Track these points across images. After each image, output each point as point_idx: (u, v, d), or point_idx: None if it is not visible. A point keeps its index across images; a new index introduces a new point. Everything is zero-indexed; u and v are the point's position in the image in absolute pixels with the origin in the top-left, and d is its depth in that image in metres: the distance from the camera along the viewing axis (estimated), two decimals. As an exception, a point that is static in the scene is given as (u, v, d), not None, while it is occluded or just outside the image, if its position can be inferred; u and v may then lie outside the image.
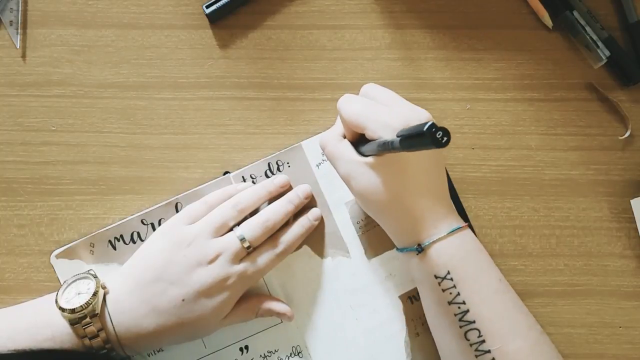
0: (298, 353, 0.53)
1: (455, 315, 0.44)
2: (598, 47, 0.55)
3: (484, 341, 0.43)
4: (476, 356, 0.44)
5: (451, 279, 0.44)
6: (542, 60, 0.56)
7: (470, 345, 0.44)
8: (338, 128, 0.49)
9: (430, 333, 0.51)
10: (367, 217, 0.54)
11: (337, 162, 0.48)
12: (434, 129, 0.35)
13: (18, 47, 0.55)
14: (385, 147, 0.41)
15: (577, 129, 0.56)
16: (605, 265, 0.54)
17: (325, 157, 0.54)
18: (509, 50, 0.56)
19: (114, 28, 0.56)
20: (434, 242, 0.45)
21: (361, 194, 0.46)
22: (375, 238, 0.54)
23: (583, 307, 0.54)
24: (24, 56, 0.55)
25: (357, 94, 0.55)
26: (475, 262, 0.45)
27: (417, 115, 0.45)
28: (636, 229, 0.54)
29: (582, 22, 0.55)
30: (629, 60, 0.55)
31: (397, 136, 0.40)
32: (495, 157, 0.55)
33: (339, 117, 0.49)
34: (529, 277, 0.54)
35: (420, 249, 0.45)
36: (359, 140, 0.48)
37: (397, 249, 0.48)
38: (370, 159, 0.45)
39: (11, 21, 0.55)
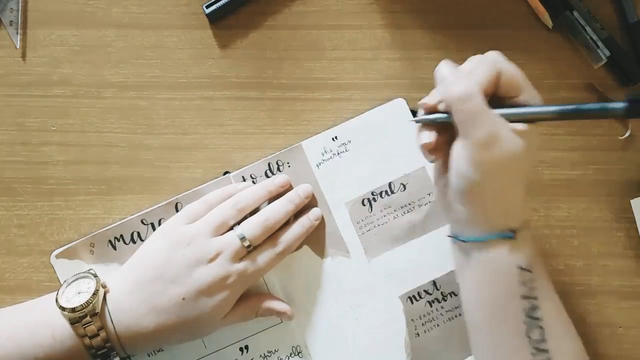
0: (298, 353, 0.53)
1: (524, 310, 0.43)
2: (598, 47, 0.55)
3: (544, 340, 0.43)
4: (532, 354, 0.43)
5: (531, 272, 0.43)
6: (542, 60, 0.56)
7: (529, 342, 0.43)
8: (479, 80, 0.42)
9: (431, 333, 0.51)
10: (367, 217, 0.54)
11: (485, 120, 0.41)
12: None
13: (18, 47, 0.55)
14: (557, 111, 0.41)
15: (577, 129, 0.56)
16: (605, 265, 0.54)
17: (325, 158, 0.54)
18: (509, 50, 0.56)
19: (114, 28, 0.56)
20: (524, 230, 0.43)
21: (498, 160, 0.41)
22: (375, 238, 0.54)
23: (583, 307, 0.54)
24: (24, 56, 0.55)
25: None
26: (541, 260, 0.45)
27: None
28: (636, 229, 0.54)
29: (582, 22, 0.55)
30: (629, 60, 0.55)
31: (629, 100, 0.38)
32: (495, 157, 0.55)
33: (480, 70, 0.43)
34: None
35: (512, 235, 0.43)
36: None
37: (473, 240, 0.45)
38: (520, 125, 0.42)
39: (11, 21, 0.55)
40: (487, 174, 0.42)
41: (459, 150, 0.42)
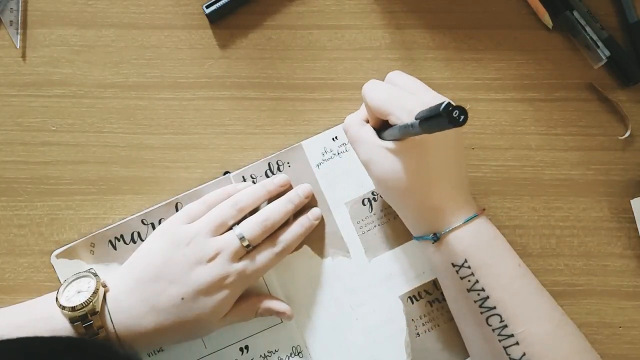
0: (298, 353, 0.53)
1: (475, 302, 0.45)
2: (598, 47, 0.55)
3: (506, 326, 0.44)
4: (499, 341, 0.44)
5: (469, 267, 0.45)
6: (542, 60, 0.56)
7: (493, 330, 0.44)
8: (362, 112, 0.50)
9: (431, 333, 0.51)
10: (367, 217, 0.54)
11: (359, 146, 0.48)
12: (450, 108, 0.36)
13: (18, 47, 0.55)
14: (406, 130, 0.42)
15: (577, 129, 0.56)
16: (605, 265, 0.54)
17: (325, 158, 0.54)
18: (509, 50, 0.56)
19: (114, 28, 0.56)
20: (450, 231, 0.45)
21: (381, 179, 0.46)
22: (375, 238, 0.54)
23: (583, 307, 0.54)
24: (24, 56, 0.55)
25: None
26: (492, 248, 0.46)
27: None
28: (636, 229, 0.54)
29: (582, 22, 0.55)
30: (629, 60, 0.55)
31: (416, 118, 0.40)
32: (495, 157, 0.55)
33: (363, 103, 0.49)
34: (529, 277, 0.54)
35: (436, 238, 0.46)
36: (382, 126, 0.48)
37: (414, 237, 0.49)
38: (391, 144, 0.45)
39: (11, 21, 0.55)
40: (384, 190, 0.48)
41: None
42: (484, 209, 0.47)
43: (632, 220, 0.54)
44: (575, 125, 0.56)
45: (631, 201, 0.54)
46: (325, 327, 0.53)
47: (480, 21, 0.56)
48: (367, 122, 0.49)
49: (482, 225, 0.46)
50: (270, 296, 0.53)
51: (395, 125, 0.45)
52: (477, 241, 0.45)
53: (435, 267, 0.48)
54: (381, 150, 0.46)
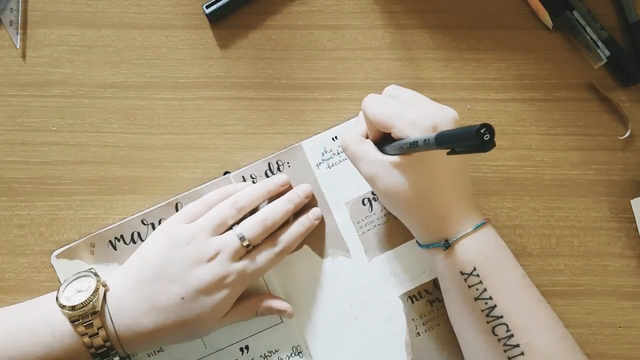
0: (298, 353, 0.53)
1: (482, 311, 0.44)
2: (598, 47, 0.55)
3: (512, 335, 0.44)
4: (505, 351, 0.44)
5: (477, 275, 0.45)
6: (542, 60, 0.56)
7: (499, 340, 0.44)
8: (360, 128, 0.49)
9: (431, 333, 0.51)
10: (368, 217, 0.54)
11: (361, 163, 0.48)
12: (486, 132, 0.34)
13: (18, 47, 0.55)
14: (413, 146, 0.41)
15: (577, 129, 0.56)
16: (605, 265, 0.54)
17: (325, 158, 0.54)
18: (509, 50, 0.56)
19: (114, 28, 0.56)
20: (460, 238, 0.45)
21: (387, 193, 0.46)
22: (375, 238, 0.54)
23: (583, 307, 0.54)
24: (24, 56, 0.55)
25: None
26: (500, 257, 0.46)
27: (444, 114, 0.45)
28: (636, 229, 0.54)
29: (582, 22, 0.55)
30: (629, 60, 0.55)
31: (439, 137, 0.38)
32: (495, 157, 0.55)
33: (359, 117, 0.50)
34: (529, 277, 0.54)
35: (447, 245, 0.45)
36: (381, 140, 0.48)
37: (420, 245, 0.48)
38: (395, 159, 0.45)
39: (11, 21, 0.55)
40: (390, 203, 0.48)
41: None
42: (488, 219, 0.47)
43: (632, 220, 0.54)
44: (575, 125, 0.56)
45: (631, 201, 0.54)
46: (325, 327, 0.53)
47: (480, 21, 0.56)
48: (366, 137, 0.49)
49: (489, 234, 0.46)
50: (270, 295, 0.53)
51: (398, 138, 0.44)
52: (485, 249, 0.45)
53: (441, 275, 0.48)
54: (385, 165, 0.46)
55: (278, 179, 0.53)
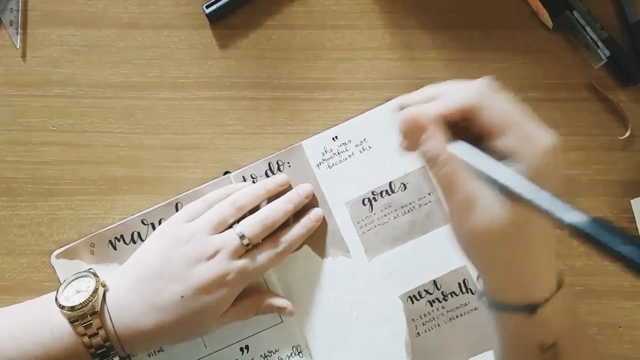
0: (298, 353, 0.53)
1: None
2: (598, 47, 0.55)
3: None
4: None
5: (554, 351, 0.38)
6: (542, 60, 0.56)
7: None
8: (441, 133, 0.38)
9: (431, 333, 0.51)
10: (368, 217, 0.54)
11: (460, 177, 0.36)
12: None
13: (18, 47, 0.55)
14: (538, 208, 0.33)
15: (577, 129, 0.56)
16: (605, 265, 0.54)
17: (325, 158, 0.54)
18: (509, 50, 0.56)
19: (114, 28, 0.56)
20: (546, 302, 0.37)
21: (485, 227, 0.36)
22: (375, 238, 0.54)
23: (583, 307, 0.54)
24: (24, 56, 0.55)
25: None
26: (580, 331, 0.42)
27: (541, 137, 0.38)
28: (636, 229, 0.54)
29: (582, 22, 0.55)
30: (629, 60, 0.55)
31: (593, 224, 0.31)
32: (496, 157, 0.55)
33: (442, 101, 0.39)
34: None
35: (534, 309, 0.37)
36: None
37: (493, 307, 0.40)
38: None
39: (11, 21, 0.55)
40: (482, 241, 0.37)
41: (450, 220, 0.38)
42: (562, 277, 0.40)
43: (632, 220, 0.54)
44: (575, 125, 0.56)
45: (631, 201, 0.54)
46: (325, 327, 0.53)
47: (480, 21, 0.56)
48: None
49: (569, 296, 0.40)
50: (270, 293, 0.53)
51: (500, 150, 0.35)
52: (567, 315, 0.39)
53: (512, 336, 0.40)
54: (492, 193, 0.35)
55: (277, 179, 0.53)
